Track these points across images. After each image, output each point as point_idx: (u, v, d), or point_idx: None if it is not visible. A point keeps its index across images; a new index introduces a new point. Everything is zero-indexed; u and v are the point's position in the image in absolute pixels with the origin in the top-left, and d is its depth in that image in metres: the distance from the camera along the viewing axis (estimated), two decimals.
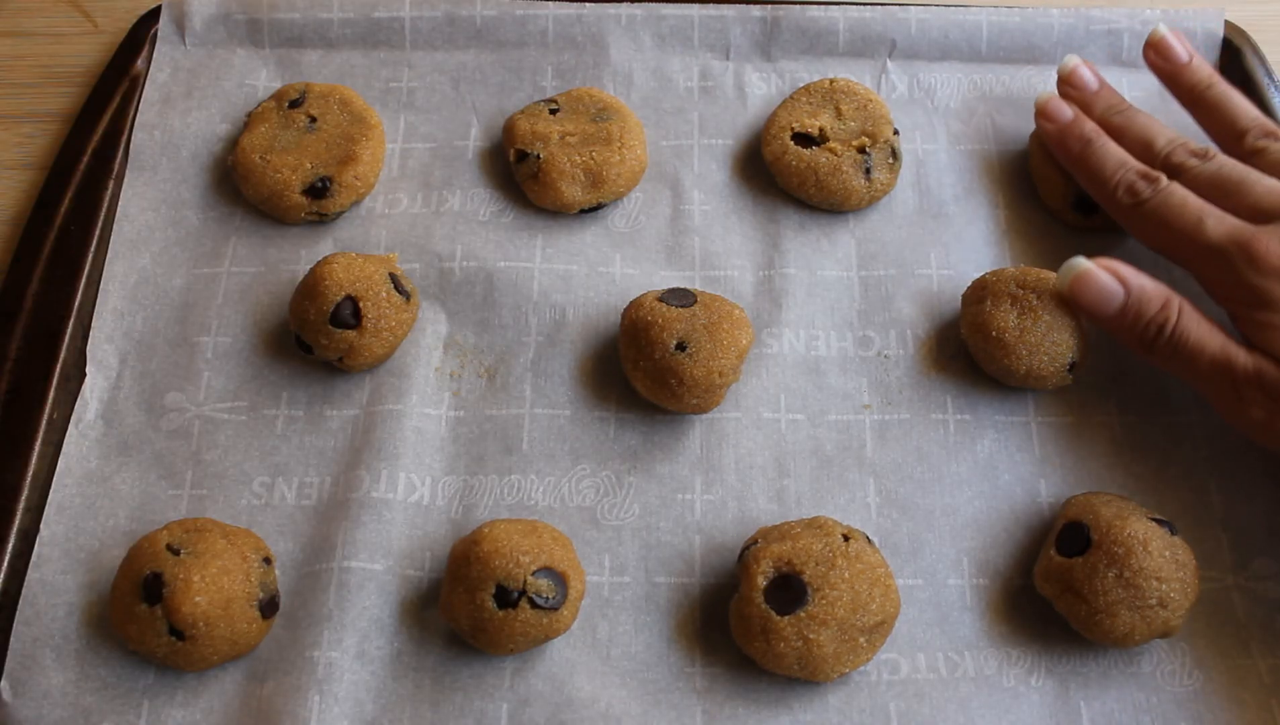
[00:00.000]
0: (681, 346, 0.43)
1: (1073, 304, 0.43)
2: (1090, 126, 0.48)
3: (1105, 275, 0.42)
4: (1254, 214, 0.42)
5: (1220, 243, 0.42)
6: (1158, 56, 0.50)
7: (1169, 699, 0.40)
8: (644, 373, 0.44)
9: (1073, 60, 0.50)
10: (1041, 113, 0.50)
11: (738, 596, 0.40)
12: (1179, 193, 0.44)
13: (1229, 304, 0.43)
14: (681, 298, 0.45)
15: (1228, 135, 0.47)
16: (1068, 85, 0.50)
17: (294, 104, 0.52)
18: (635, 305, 0.45)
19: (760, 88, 0.55)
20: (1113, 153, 0.47)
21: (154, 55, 0.55)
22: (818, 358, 0.47)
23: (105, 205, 0.50)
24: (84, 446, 0.45)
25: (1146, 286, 0.42)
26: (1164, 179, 0.44)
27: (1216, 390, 0.41)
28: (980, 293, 0.46)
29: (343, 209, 0.50)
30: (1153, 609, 0.39)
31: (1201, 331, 0.41)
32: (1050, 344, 0.44)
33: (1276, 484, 0.45)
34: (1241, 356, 0.41)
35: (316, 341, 0.44)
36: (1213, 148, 0.46)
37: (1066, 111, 0.49)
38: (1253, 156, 0.45)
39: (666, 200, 0.52)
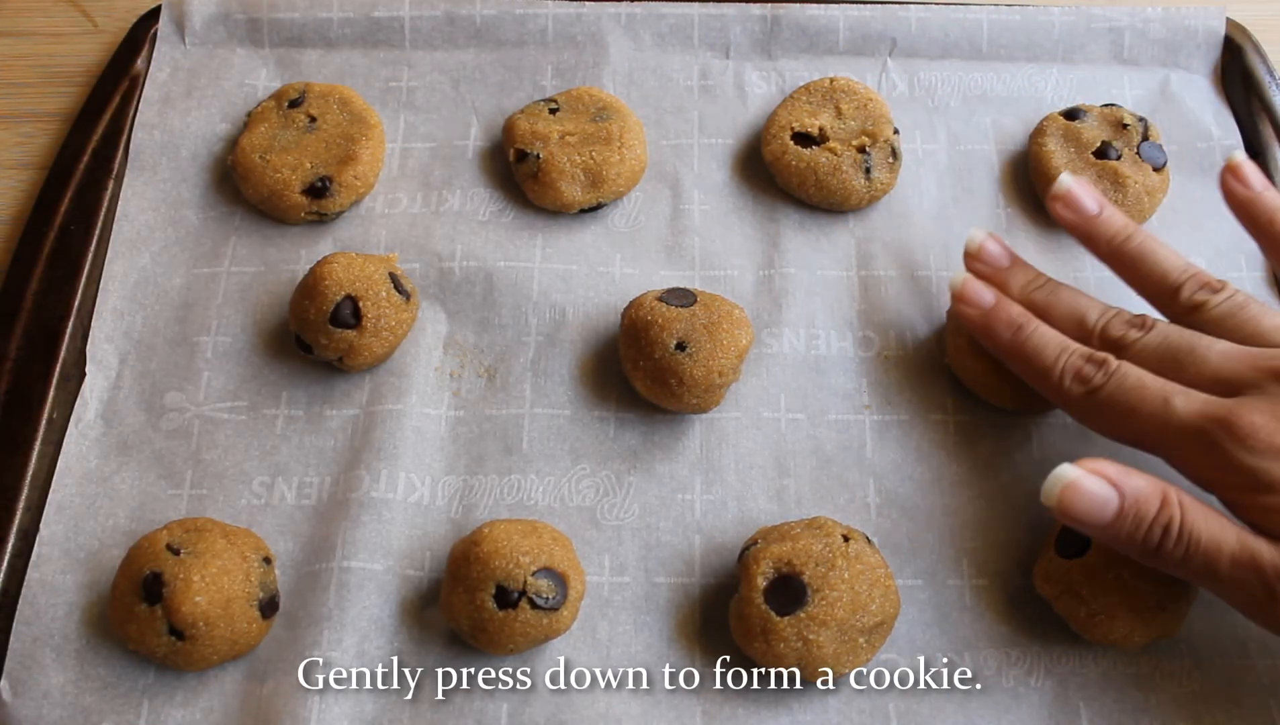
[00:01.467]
0: (681, 346, 0.43)
1: (1062, 520, 0.38)
2: (1017, 311, 0.43)
3: (1094, 481, 0.37)
4: (1215, 384, 0.38)
5: (1197, 424, 0.37)
6: (1065, 209, 0.44)
7: (1168, 700, 0.40)
8: (644, 372, 0.44)
9: (978, 235, 0.45)
10: (959, 297, 0.44)
11: (738, 597, 0.40)
12: (1133, 374, 0.39)
13: (1221, 489, 0.38)
14: (681, 297, 0.45)
15: (1158, 292, 0.42)
16: (978, 262, 0.45)
17: (294, 104, 0.52)
18: (635, 305, 0.45)
19: (760, 87, 0.55)
20: (1050, 337, 0.41)
21: (154, 55, 0.55)
22: (818, 357, 0.47)
23: (105, 205, 0.50)
24: (84, 446, 0.45)
25: (1140, 486, 0.37)
26: (1113, 360, 0.40)
27: (1243, 592, 0.36)
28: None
29: (343, 209, 0.50)
30: (1152, 610, 0.39)
31: (1213, 527, 0.36)
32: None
33: None
34: (1265, 550, 0.35)
35: (316, 341, 0.44)
36: (1150, 315, 0.42)
37: (987, 295, 0.43)
38: (1191, 314, 0.41)
39: (666, 200, 0.52)
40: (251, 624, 0.40)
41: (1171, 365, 0.39)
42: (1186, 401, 0.38)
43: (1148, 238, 0.43)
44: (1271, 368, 0.37)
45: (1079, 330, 0.42)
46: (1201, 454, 0.37)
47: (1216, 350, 0.39)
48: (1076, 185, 0.44)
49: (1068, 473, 0.37)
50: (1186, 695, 0.40)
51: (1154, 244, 0.43)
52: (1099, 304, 0.43)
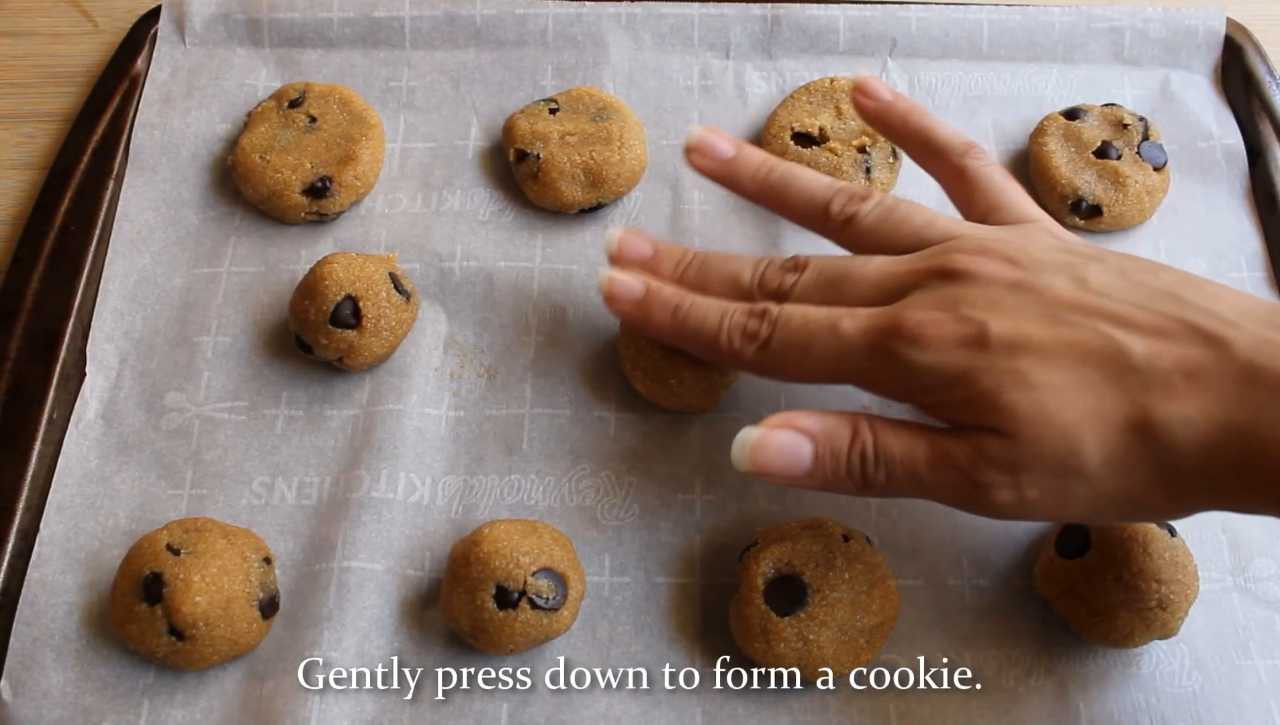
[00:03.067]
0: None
1: (762, 478, 0.36)
2: (669, 291, 0.41)
3: (781, 433, 0.36)
4: (879, 297, 0.37)
5: (868, 339, 0.36)
6: (701, 157, 0.44)
7: (1168, 700, 0.40)
8: (643, 372, 0.44)
9: (614, 233, 0.43)
10: (608, 297, 0.42)
11: (738, 597, 0.40)
12: (796, 313, 0.38)
13: (911, 397, 0.37)
14: None
15: (810, 214, 0.42)
16: (623, 260, 0.43)
17: (294, 104, 0.52)
18: None
19: (760, 87, 0.55)
20: (708, 306, 0.40)
21: (154, 55, 0.55)
22: None
23: (105, 205, 0.50)
24: (84, 446, 0.45)
25: (829, 422, 0.36)
26: (774, 307, 0.38)
27: (952, 491, 0.35)
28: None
29: (343, 209, 0.50)
30: (1152, 610, 0.39)
31: (904, 440, 0.35)
32: None
33: None
34: (954, 444, 0.35)
35: (316, 341, 0.44)
36: (802, 255, 0.41)
37: (636, 285, 0.41)
38: (846, 228, 0.41)
39: (666, 200, 0.52)
40: (251, 624, 0.40)
41: (834, 295, 0.39)
42: (853, 321, 0.37)
43: (790, 166, 0.43)
44: (927, 267, 0.37)
45: (738, 291, 0.41)
46: (882, 368, 0.36)
47: (873, 266, 0.39)
48: (708, 132, 0.43)
49: (750, 433, 0.36)
50: (1186, 696, 0.40)
51: (796, 170, 0.43)
52: (751, 260, 0.42)
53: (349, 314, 0.44)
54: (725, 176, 0.44)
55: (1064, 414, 0.33)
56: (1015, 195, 0.41)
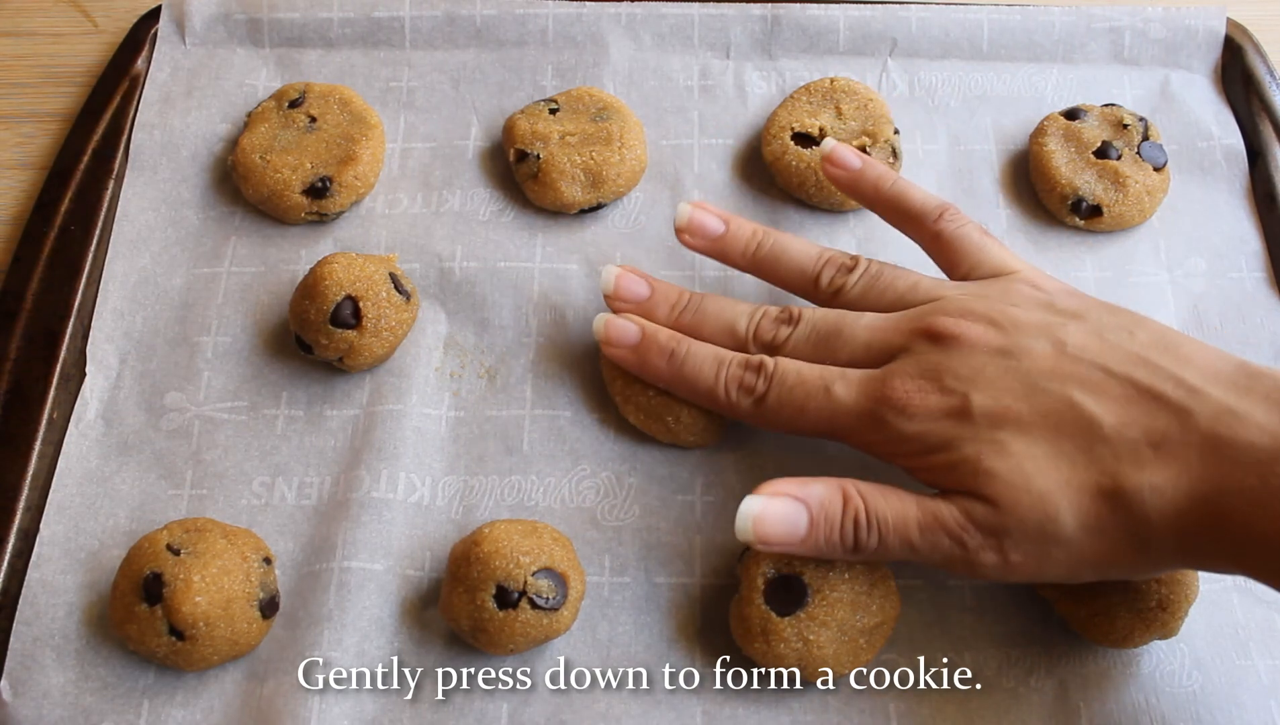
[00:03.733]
0: None
1: (764, 548, 0.37)
2: (665, 336, 0.42)
3: (780, 502, 0.37)
4: (870, 357, 0.39)
5: (859, 406, 0.38)
6: (693, 237, 0.45)
7: (1168, 700, 0.40)
8: (636, 407, 0.44)
9: (611, 272, 0.44)
10: (604, 341, 0.43)
11: (738, 597, 0.40)
12: (791, 371, 0.40)
13: (899, 460, 0.38)
14: None
15: (801, 286, 0.43)
16: (619, 300, 0.44)
17: (294, 104, 0.52)
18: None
19: (760, 87, 0.55)
20: (705, 355, 0.42)
21: (154, 55, 0.55)
22: None
23: (105, 205, 0.50)
24: (84, 446, 0.45)
25: (821, 491, 0.37)
26: (769, 362, 0.40)
27: (943, 555, 0.36)
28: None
29: (343, 209, 0.50)
30: (1152, 611, 0.39)
31: (894, 505, 0.36)
32: None
33: None
34: (943, 508, 0.36)
35: (316, 341, 0.44)
36: (795, 307, 0.42)
37: (631, 330, 0.43)
38: (835, 298, 0.42)
39: (666, 200, 0.52)
40: (251, 624, 0.40)
41: (826, 351, 0.40)
42: (845, 386, 0.38)
43: (778, 238, 0.44)
44: (913, 329, 0.39)
45: (733, 340, 0.43)
46: (872, 432, 0.38)
47: (863, 324, 0.40)
48: (697, 211, 0.45)
49: (754, 505, 0.37)
50: (1186, 695, 0.40)
51: (785, 241, 0.44)
52: (747, 307, 0.43)
53: (349, 314, 0.44)
54: (717, 252, 0.45)
55: (1040, 481, 0.35)
56: (994, 251, 0.42)
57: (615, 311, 0.44)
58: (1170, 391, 0.34)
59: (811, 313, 0.42)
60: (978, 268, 0.42)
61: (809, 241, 0.44)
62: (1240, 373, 0.35)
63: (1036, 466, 0.35)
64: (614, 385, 0.45)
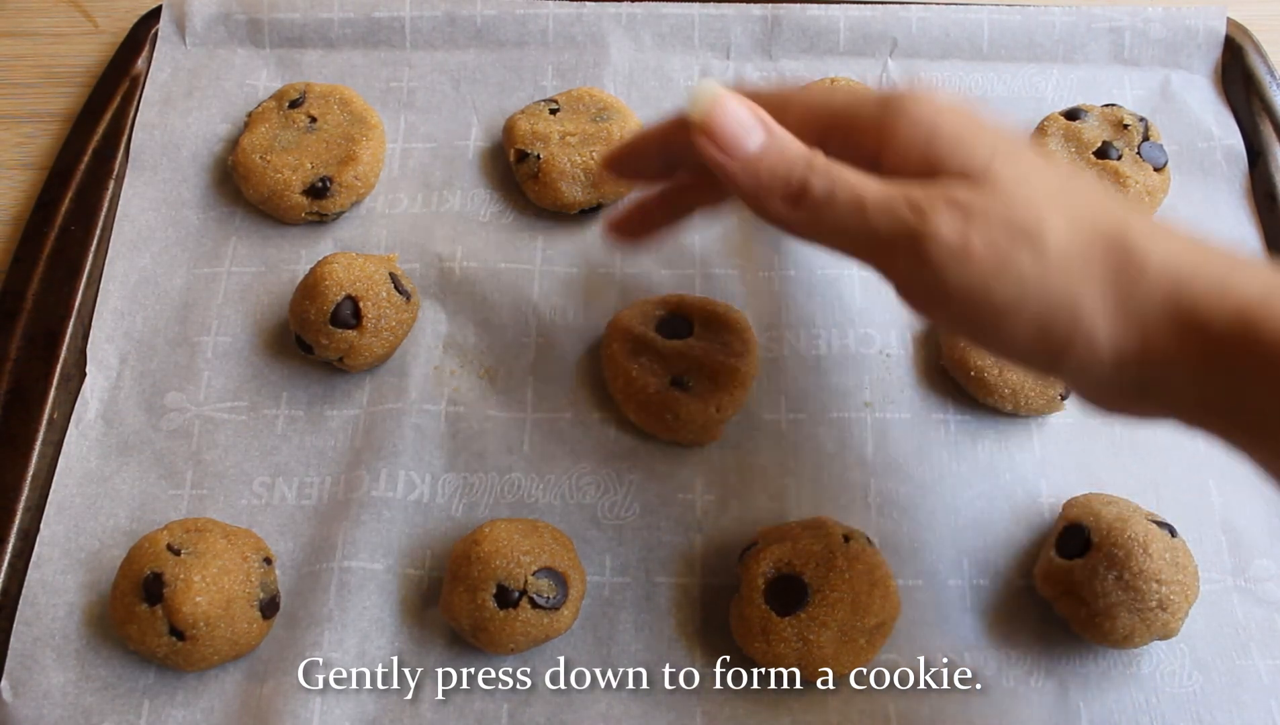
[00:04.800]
0: (679, 382, 0.44)
1: (703, 140, 0.32)
2: (796, 152, 0.33)
3: (745, 109, 0.32)
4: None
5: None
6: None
7: (1168, 700, 0.40)
8: (636, 405, 0.44)
9: (707, 88, 0.33)
10: (704, 130, 0.33)
11: (738, 597, 0.40)
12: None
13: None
14: (674, 326, 0.45)
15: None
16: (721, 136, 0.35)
17: (294, 104, 0.52)
18: (621, 332, 0.45)
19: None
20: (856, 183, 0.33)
21: (154, 55, 0.55)
22: (818, 357, 0.47)
23: (105, 205, 0.50)
24: (84, 446, 0.45)
25: (786, 132, 0.32)
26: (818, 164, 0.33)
27: (890, 228, 0.30)
28: None
29: (343, 209, 0.50)
30: (1152, 611, 0.39)
31: (860, 175, 0.31)
32: (1035, 379, 0.44)
33: (1276, 485, 0.45)
34: (916, 188, 0.30)
35: (317, 341, 0.44)
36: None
37: (755, 133, 0.33)
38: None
39: None
40: (252, 624, 0.40)
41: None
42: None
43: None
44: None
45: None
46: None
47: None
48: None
49: (716, 87, 0.32)
50: (1186, 695, 0.40)
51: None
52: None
53: (349, 314, 0.44)
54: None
55: (1046, 190, 0.30)
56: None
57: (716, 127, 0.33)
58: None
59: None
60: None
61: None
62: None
63: (1046, 181, 0.31)
64: (614, 385, 0.45)
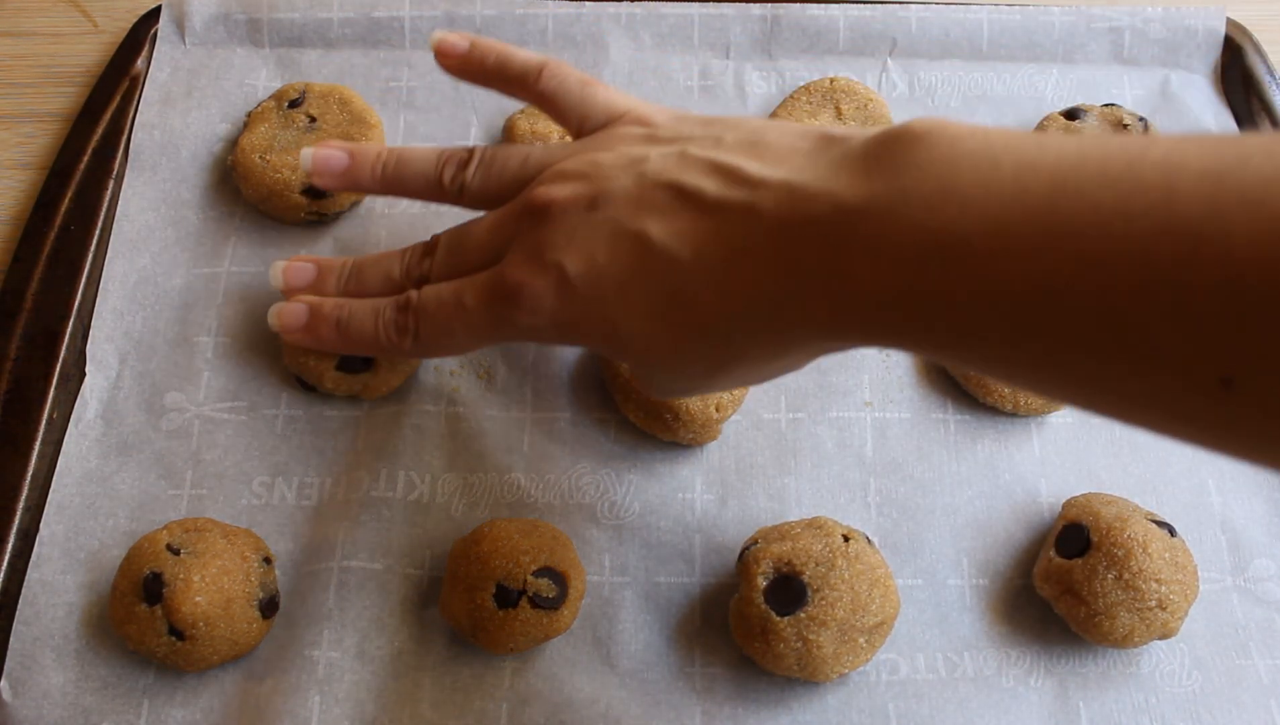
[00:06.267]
0: None
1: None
2: (329, 306, 0.42)
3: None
4: (497, 257, 0.38)
5: (490, 312, 0.37)
6: (320, 178, 0.43)
7: (1168, 700, 0.40)
8: (636, 405, 0.44)
9: (278, 266, 0.43)
10: (282, 331, 0.43)
11: (738, 597, 0.40)
12: (430, 297, 0.39)
13: (550, 344, 0.41)
14: None
15: (434, 193, 0.42)
16: (291, 291, 0.43)
17: (294, 104, 0.52)
18: None
19: (760, 87, 0.55)
20: (362, 310, 0.41)
21: (154, 55, 0.55)
22: None
23: (105, 205, 0.50)
24: (84, 446, 0.45)
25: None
26: (413, 295, 0.39)
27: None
28: None
29: (342, 209, 0.50)
30: (1152, 611, 0.39)
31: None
32: None
33: (1276, 484, 0.45)
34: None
35: (321, 385, 0.45)
36: (437, 233, 0.42)
37: (300, 311, 0.42)
38: (462, 197, 0.41)
39: None
40: (252, 624, 0.40)
41: (462, 265, 0.39)
42: (473, 293, 0.38)
43: (400, 152, 0.42)
44: (517, 212, 0.38)
45: (395, 287, 0.42)
46: (512, 333, 0.37)
47: (484, 225, 0.39)
48: (319, 151, 0.42)
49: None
50: (1186, 695, 0.40)
51: (406, 153, 0.42)
52: (398, 253, 0.42)
53: (359, 362, 0.44)
54: (350, 185, 0.43)
55: (626, 325, 0.34)
56: (598, 98, 0.40)
57: (292, 299, 0.43)
58: (736, 195, 0.32)
59: (447, 232, 0.41)
60: (588, 120, 0.40)
61: (431, 146, 0.43)
62: (817, 144, 0.32)
63: (625, 309, 0.34)
64: (614, 384, 0.45)
